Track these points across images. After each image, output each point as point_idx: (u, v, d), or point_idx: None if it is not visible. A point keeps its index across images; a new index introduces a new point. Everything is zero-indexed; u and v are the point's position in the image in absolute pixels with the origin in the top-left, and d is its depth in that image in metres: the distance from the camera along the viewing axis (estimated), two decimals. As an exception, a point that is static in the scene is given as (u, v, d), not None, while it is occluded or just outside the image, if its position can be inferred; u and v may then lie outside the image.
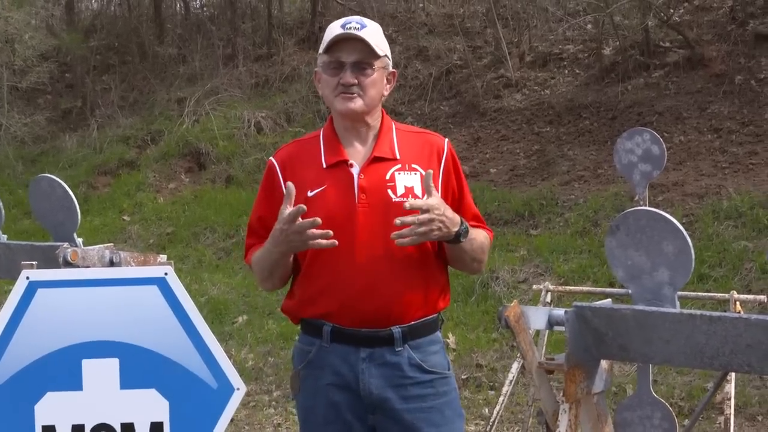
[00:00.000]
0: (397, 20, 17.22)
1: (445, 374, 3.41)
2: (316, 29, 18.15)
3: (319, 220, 3.07)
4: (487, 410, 6.83)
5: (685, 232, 2.54)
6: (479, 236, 3.39)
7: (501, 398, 4.96)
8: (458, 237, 3.19)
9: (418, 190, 3.28)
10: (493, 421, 4.94)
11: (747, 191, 9.72)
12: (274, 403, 7.52)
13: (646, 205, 4.42)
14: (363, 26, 3.30)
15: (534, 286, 5.39)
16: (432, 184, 3.13)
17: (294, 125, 15.53)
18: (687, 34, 12.92)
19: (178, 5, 22.50)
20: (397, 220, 3.05)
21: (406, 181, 3.29)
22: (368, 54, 3.28)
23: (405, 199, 3.21)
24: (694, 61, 12.57)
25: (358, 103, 3.29)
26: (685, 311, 2.46)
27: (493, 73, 14.70)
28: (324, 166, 3.35)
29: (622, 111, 12.34)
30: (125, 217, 13.88)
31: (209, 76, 17.73)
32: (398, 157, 3.35)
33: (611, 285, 8.18)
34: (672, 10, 13.45)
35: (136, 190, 14.66)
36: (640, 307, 2.55)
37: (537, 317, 2.72)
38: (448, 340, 8.07)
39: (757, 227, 9.11)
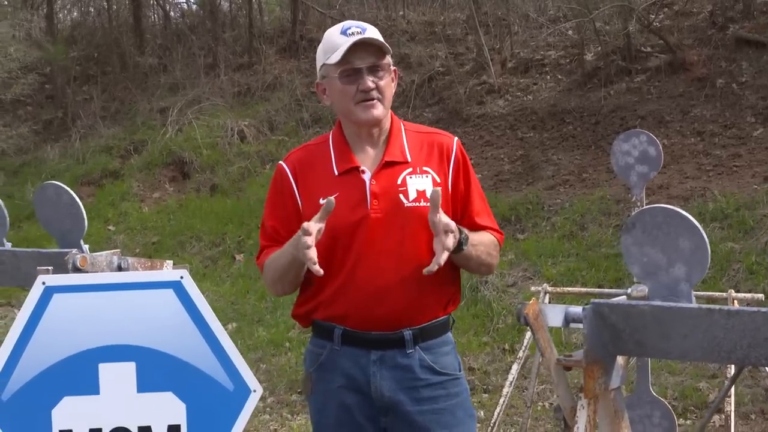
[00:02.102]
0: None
1: (457, 375, 3.41)
2: (297, 38, 18.19)
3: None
4: (482, 413, 6.85)
5: (701, 229, 2.57)
6: (484, 239, 3.38)
7: (502, 399, 4.98)
8: (460, 245, 3.17)
9: (429, 193, 3.24)
10: (494, 422, 4.96)
11: (732, 193, 9.80)
12: (268, 409, 7.52)
13: (643, 206, 4.46)
14: (364, 29, 3.29)
15: (532, 288, 5.42)
16: (439, 202, 3.07)
17: (277, 133, 15.55)
18: (668, 39, 13.03)
19: (158, 15, 22.48)
20: (426, 271, 3.06)
21: (418, 184, 3.29)
22: (379, 56, 3.28)
23: (417, 204, 3.23)
24: (675, 65, 12.68)
25: (379, 110, 3.29)
26: (704, 306, 2.49)
27: (475, 80, 14.76)
28: (336, 173, 3.34)
29: (605, 116, 12.43)
30: (110, 227, 13.85)
31: (191, 85, 17.73)
32: (409, 160, 3.34)
33: (600, 287, 8.25)
34: (653, 16, 13.56)
35: (121, 199, 14.64)
36: (658, 302, 2.58)
37: (554, 315, 2.74)
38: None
39: (743, 228, 9.19)
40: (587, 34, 14.13)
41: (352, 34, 3.26)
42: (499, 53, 15.25)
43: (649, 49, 13.43)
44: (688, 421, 6.62)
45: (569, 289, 5.91)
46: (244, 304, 10.38)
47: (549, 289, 5.16)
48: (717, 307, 2.47)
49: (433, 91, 15.13)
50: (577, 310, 2.71)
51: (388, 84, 3.32)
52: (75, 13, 23.27)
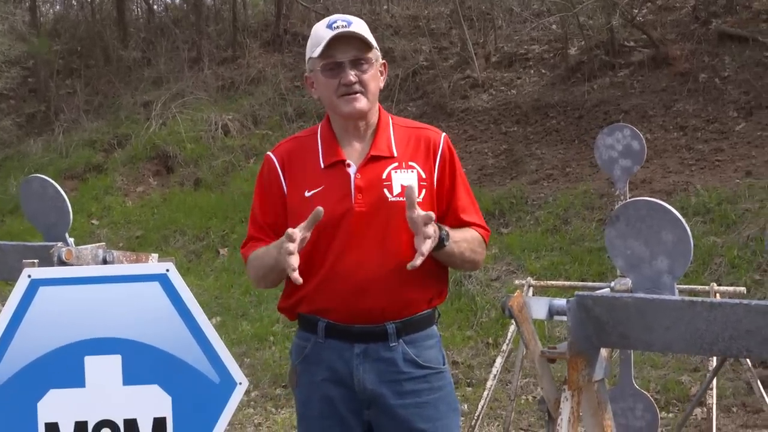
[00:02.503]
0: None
1: (440, 369, 3.41)
2: (281, 32, 18.16)
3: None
4: (466, 406, 6.87)
5: (684, 222, 2.59)
6: (468, 236, 3.37)
7: (486, 392, 5.01)
8: (441, 242, 3.18)
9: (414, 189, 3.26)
10: (479, 415, 4.99)
11: (714, 187, 9.86)
12: (253, 403, 7.53)
13: (626, 200, 4.49)
14: (350, 23, 3.28)
15: (516, 281, 5.45)
16: (414, 198, 3.08)
17: (261, 127, 15.54)
18: (651, 34, 13.09)
19: (141, 9, 22.41)
20: (410, 266, 3.07)
21: (403, 179, 3.28)
22: (363, 49, 3.28)
23: (401, 199, 3.21)
24: (658, 60, 12.73)
25: (362, 102, 3.29)
26: (686, 298, 2.51)
27: (459, 74, 14.78)
28: (322, 166, 3.35)
29: (588, 110, 12.47)
30: (94, 221, 13.82)
31: (175, 79, 17.68)
32: (395, 154, 3.34)
33: (583, 281, 8.28)
34: (636, 10, 13.61)
35: (104, 194, 14.60)
36: (641, 295, 2.60)
37: (538, 307, 2.76)
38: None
39: (725, 222, 9.24)
40: (571, 28, 14.17)
41: (337, 27, 3.25)
42: (483, 47, 15.28)
43: (632, 44, 13.49)
44: (671, 414, 6.66)
45: (553, 282, 5.94)
46: (228, 299, 10.39)
47: (533, 282, 5.19)
48: (699, 299, 2.50)
49: (417, 85, 15.14)
50: (561, 302, 2.73)
51: (373, 77, 3.31)
52: (58, 6, 23.20)
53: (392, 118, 3.48)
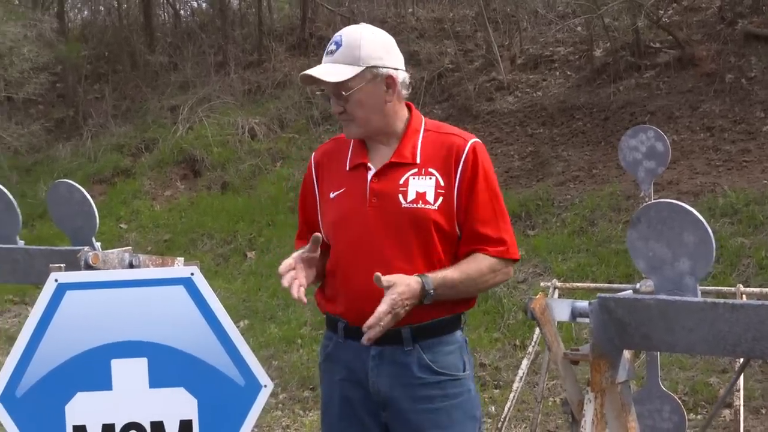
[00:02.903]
0: (387, 25, 17.27)
1: (457, 376, 3.35)
2: (306, 35, 18.23)
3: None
4: (493, 408, 6.88)
5: (705, 223, 2.58)
6: (470, 269, 3.28)
7: (512, 395, 5.01)
8: (428, 298, 3.16)
9: (430, 196, 3.24)
10: (505, 417, 4.99)
11: (741, 188, 9.81)
12: (281, 405, 7.56)
13: (651, 202, 4.48)
14: (339, 46, 3.26)
15: (542, 284, 5.45)
16: (384, 285, 3.06)
17: (288, 131, 15.60)
18: (677, 35, 13.03)
19: (168, 14, 22.54)
20: (365, 331, 3.08)
21: (419, 186, 3.26)
22: (339, 84, 3.25)
23: (414, 205, 3.22)
24: (684, 60, 12.68)
25: (352, 130, 3.32)
26: (708, 300, 2.51)
27: (484, 76, 14.78)
28: (347, 168, 3.39)
29: (614, 111, 12.44)
30: (122, 225, 13.91)
31: (201, 83, 17.78)
32: (418, 161, 3.30)
33: (610, 283, 8.25)
34: (661, 11, 13.56)
35: (132, 198, 14.70)
36: (663, 296, 2.60)
37: (561, 309, 2.77)
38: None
39: (753, 223, 9.19)
40: (596, 30, 14.14)
41: (328, 53, 3.29)
42: (509, 50, 15.28)
43: (658, 45, 13.44)
44: (699, 416, 6.63)
45: (578, 284, 5.92)
46: (255, 302, 10.43)
47: (558, 284, 5.19)
48: (722, 300, 2.49)
49: (443, 87, 15.15)
50: (583, 304, 2.73)
51: (359, 103, 3.27)
52: (85, 12, 23.37)
53: (426, 123, 3.43)
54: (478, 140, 3.37)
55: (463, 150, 3.30)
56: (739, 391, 4.68)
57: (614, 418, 2.78)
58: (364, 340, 3.10)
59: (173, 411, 2.92)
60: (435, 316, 3.29)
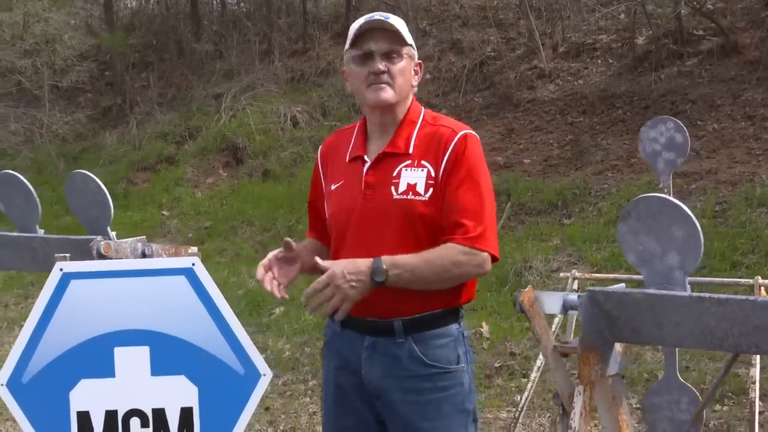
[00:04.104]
0: (431, 13, 17.31)
1: (449, 369, 3.32)
2: (351, 23, 18.25)
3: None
4: (519, 397, 6.88)
5: (694, 218, 2.59)
6: (431, 256, 3.18)
7: (529, 385, 5.01)
8: (381, 283, 3.12)
9: (420, 187, 3.24)
10: (522, 407, 4.99)
11: (781, 178, 9.71)
12: (309, 392, 7.63)
13: (670, 194, 4.47)
14: (386, 18, 3.30)
15: (561, 274, 5.45)
16: (323, 266, 3.11)
17: (330, 119, 15.67)
18: (720, 22, 12.89)
19: (215, 2, 22.71)
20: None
21: (411, 177, 3.26)
22: (396, 42, 3.28)
23: (404, 197, 3.23)
24: (727, 48, 12.55)
25: (389, 93, 3.28)
26: (694, 294, 2.52)
27: (526, 64, 14.74)
28: (347, 160, 3.42)
29: (655, 100, 12.34)
30: (164, 212, 14.07)
31: (245, 71, 17.92)
32: (411, 152, 3.31)
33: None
34: (705, -2, 13.43)
35: (175, 185, 14.86)
36: (651, 290, 2.61)
37: (551, 302, 2.79)
38: (481, 329, 8.14)
39: (791, 214, 9.10)
40: (638, 17, 14.03)
41: (373, 20, 3.30)
42: (551, 38, 15.21)
43: (700, 32, 13.30)
44: (725, 408, 6.59)
45: (597, 275, 5.91)
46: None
47: (578, 275, 5.17)
48: (707, 295, 2.51)
49: (485, 75, 15.13)
50: (573, 297, 2.75)
51: (402, 71, 3.30)
52: (134, 2, 23.60)
53: (425, 114, 3.43)
54: (471, 132, 3.34)
55: (452, 140, 3.28)
56: (755, 383, 4.66)
57: (605, 411, 2.80)
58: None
59: (174, 398, 2.98)
60: (428, 309, 3.28)
